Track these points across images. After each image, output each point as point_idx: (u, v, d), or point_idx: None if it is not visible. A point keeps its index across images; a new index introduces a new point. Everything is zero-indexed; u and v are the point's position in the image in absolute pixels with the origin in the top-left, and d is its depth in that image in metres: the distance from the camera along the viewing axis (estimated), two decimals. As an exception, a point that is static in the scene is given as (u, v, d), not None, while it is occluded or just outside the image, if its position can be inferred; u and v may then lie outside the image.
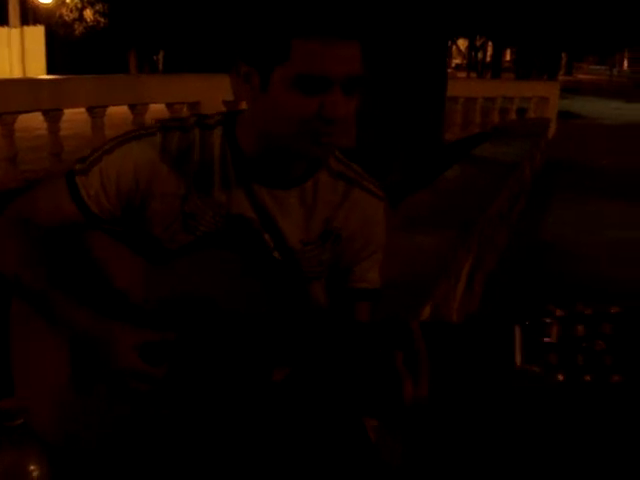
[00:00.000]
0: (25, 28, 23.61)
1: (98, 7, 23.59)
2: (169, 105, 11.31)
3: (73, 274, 1.49)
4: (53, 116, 9.94)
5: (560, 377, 1.19)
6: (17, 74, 22.20)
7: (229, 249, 1.49)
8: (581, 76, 52.78)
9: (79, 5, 23.86)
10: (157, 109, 11.02)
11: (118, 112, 10.84)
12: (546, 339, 1.20)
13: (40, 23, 24.44)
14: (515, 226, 7.58)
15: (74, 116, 10.97)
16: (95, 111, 10.46)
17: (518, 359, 1.21)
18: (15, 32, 23.22)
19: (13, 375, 1.56)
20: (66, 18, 24.26)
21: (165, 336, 1.40)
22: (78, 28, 24.18)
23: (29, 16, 24.46)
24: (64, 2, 24.05)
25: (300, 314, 1.51)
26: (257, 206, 1.51)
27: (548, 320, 1.20)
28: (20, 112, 9.71)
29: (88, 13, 23.78)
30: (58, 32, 24.93)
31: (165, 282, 1.47)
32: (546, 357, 1.20)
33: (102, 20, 23.71)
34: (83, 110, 10.57)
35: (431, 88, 9.39)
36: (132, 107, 10.96)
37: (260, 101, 1.41)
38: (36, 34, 23.84)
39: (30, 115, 10.25)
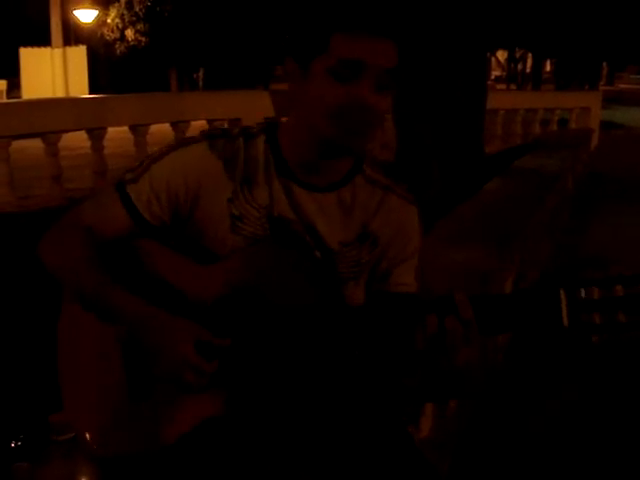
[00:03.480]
0: (67, 48, 23.91)
1: (139, 26, 23.87)
2: (210, 122, 11.39)
3: (127, 276, 1.51)
4: (96, 134, 10.09)
5: (604, 335, 1.28)
6: (60, 94, 22.48)
7: (275, 248, 1.54)
8: (622, 86, 52.17)
9: (120, 25, 24.17)
10: (198, 126, 11.11)
11: (160, 130, 10.95)
12: (588, 300, 1.27)
13: (82, 43, 24.77)
14: (558, 238, 7.51)
15: (117, 134, 11.10)
16: (138, 129, 10.58)
17: (565, 320, 1.28)
18: (58, 52, 23.52)
19: (61, 388, 1.59)
20: (107, 38, 24.58)
21: (221, 342, 1.42)
22: (119, 47, 24.49)
23: (71, 36, 24.79)
24: (105, 22, 24.38)
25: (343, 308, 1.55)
26: (297, 208, 1.57)
27: (589, 282, 1.28)
28: (64, 131, 9.87)
29: (129, 33, 24.08)
30: (100, 52, 25.28)
31: (216, 280, 1.50)
32: (590, 317, 1.27)
33: (143, 39, 23.98)
34: (126, 128, 10.70)
35: (471, 100, 9.37)
36: (174, 125, 11.06)
37: (301, 94, 1.49)
38: (78, 54, 24.14)
39: (74, 134, 10.40)
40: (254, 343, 1.43)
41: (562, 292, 1.28)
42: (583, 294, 1.27)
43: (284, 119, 1.62)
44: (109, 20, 24.31)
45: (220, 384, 1.44)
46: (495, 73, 48.78)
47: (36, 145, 10.02)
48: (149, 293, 1.48)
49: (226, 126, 11.21)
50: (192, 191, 1.54)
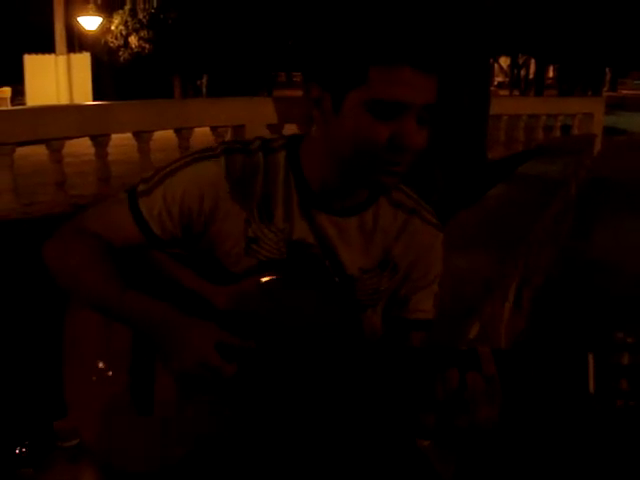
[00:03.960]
0: (71, 55, 23.97)
1: (143, 34, 23.93)
2: (213, 129, 11.40)
3: (136, 283, 1.48)
4: (100, 141, 10.09)
5: (631, 402, 1.22)
6: (64, 100, 22.54)
7: (292, 273, 1.48)
8: (625, 91, 52.13)
9: (124, 32, 24.24)
10: (202, 133, 11.13)
11: (164, 136, 10.96)
12: (617, 365, 1.22)
13: (86, 50, 24.83)
14: (562, 244, 7.50)
15: (121, 141, 11.11)
16: (142, 136, 10.59)
17: (591, 386, 1.23)
18: (62, 59, 23.59)
19: (65, 396, 1.58)
20: (111, 45, 24.65)
21: (246, 344, 1.39)
22: (123, 54, 24.54)
23: (75, 43, 24.85)
24: (109, 29, 24.45)
25: (361, 338, 1.50)
26: (317, 233, 1.51)
27: (620, 347, 1.22)
28: (68, 138, 9.88)
29: (133, 39, 24.13)
30: (104, 59, 25.33)
31: (229, 302, 1.46)
32: (617, 383, 1.22)
33: (147, 46, 24.03)
34: (130, 135, 10.71)
35: (474, 106, 9.37)
36: (177, 131, 11.08)
37: (331, 125, 1.41)
38: (82, 61, 24.20)
39: (78, 140, 10.42)
40: (264, 366, 1.41)
41: (591, 357, 1.23)
42: (612, 359, 1.23)
43: (288, 128, 1.56)
44: (113, 27, 24.39)
45: (225, 400, 1.42)
46: (498, 79, 48.80)
47: (40, 152, 10.04)
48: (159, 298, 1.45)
49: (230, 133, 11.24)
50: (207, 208, 1.48)
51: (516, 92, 38.15)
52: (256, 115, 11.49)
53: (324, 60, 1.40)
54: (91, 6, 24.33)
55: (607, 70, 42.41)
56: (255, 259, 1.49)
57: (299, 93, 1.49)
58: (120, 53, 24.58)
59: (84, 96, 23.03)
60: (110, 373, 1.52)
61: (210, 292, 1.48)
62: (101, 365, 1.54)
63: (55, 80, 23.41)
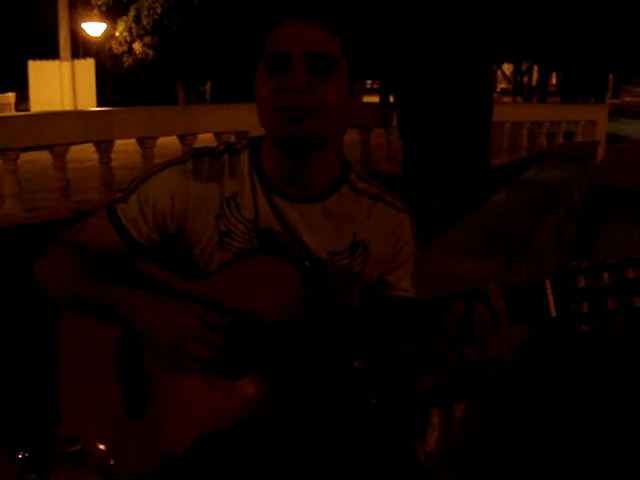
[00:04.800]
0: (76, 61, 24.02)
1: (147, 40, 23.98)
2: (217, 135, 11.43)
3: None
4: (104, 147, 10.13)
5: (594, 323, 1.27)
6: (68, 106, 22.57)
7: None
8: (628, 98, 52.16)
9: (128, 38, 24.28)
10: (206, 139, 11.15)
11: (168, 142, 10.99)
12: (575, 289, 1.27)
13: (90, 56, 24.91)
14: (564, 250, 7.50)
15: (124, 147, 11.15)
16: (145, 142, 10.62)
17: (552, 310, 1.27)
18: (66, 65, 23.64)
19: (60, 403, 1.61)
20: (115, 51, 24.70)
21: (221, 320, 1.44)
22: (127, 61, 24.59)
23: (79, 49, 24.94)
24: (113, 35, 24.50)
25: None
26: (282, 220, 1.59)
27: (574, 271, 1.27)
28: (71, 144, 9.92)
29: (137, 46, 24.18)
30: (108, 65, 25.40)
31: (207, 295, 1.50)
32: (578, 306, 1.27)
33: (150, 52, 24.08)
34: (133, 141, 10.75)
35: (476, 113, 9.39)
36: (181, 137, 11.11)
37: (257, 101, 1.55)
38: (86, 67, 24.26)
39: (81, 146, 10.46)
40: (248, 353, 1.45)
41: (548, 283, 1.28)
42: (569, 284, 1.27)
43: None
44: (117, 33, 24.43)
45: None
46: (501, 86, 48.90)
47: (44, 157, 10.08)
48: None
49: (233, 139, 11.26)
50: (179, 210, 1.58)
51: (519, 99, 38.20)
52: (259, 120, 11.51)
53: (246, 48, 1.54)
54: (95, 12, 24.41)
55: (610, 77, 42.49)
56: (230, 252, 1.57)
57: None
58: (124, 59, 24.63)
59: (88, 102, 23.09)
60: (101, 380, 1.55)
61: (190, 291, 1.52)
62: (92, 373, 1.57)
63: (59, 86, 23.46)
